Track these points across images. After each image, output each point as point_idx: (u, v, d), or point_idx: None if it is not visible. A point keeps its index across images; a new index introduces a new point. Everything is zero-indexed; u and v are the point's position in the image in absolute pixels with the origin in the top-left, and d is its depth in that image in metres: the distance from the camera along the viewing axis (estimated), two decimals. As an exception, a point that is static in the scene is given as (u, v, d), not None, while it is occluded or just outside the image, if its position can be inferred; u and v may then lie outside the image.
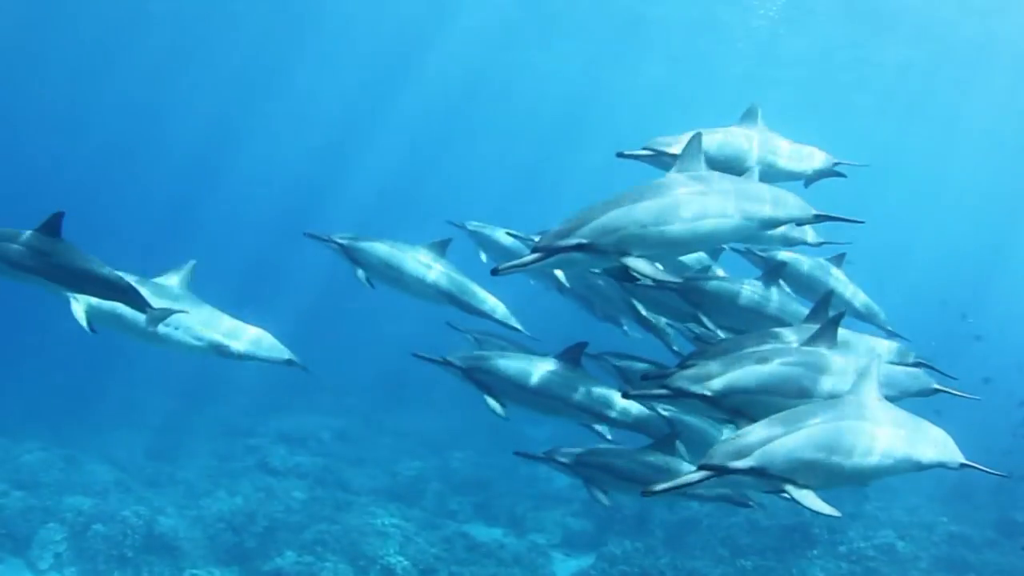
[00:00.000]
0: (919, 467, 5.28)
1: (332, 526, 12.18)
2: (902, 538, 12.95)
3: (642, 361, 6.91)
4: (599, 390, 6.66)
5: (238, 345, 6.83)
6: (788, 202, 6.10)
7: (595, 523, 13.67)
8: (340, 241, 7.68)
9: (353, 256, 7.68)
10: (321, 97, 39.13)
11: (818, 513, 4.60)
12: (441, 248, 7.82)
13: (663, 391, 5.17)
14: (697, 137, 5.64)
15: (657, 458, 6.50)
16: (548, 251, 5.08)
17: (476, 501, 14.65)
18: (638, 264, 5.18)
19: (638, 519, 13.54)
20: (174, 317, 6.44)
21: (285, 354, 7.02)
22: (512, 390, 6.61)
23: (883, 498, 14.41)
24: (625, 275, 5.37)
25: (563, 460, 6.67)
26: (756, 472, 4.53)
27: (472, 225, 9.01)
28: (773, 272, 6.72)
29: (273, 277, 26.53)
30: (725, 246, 6.84)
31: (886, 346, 6.54)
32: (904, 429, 5.12)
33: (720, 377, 5.12)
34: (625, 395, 5.75)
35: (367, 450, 16.10)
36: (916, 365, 6.46)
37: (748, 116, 6.89)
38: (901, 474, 5.23)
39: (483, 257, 8.91)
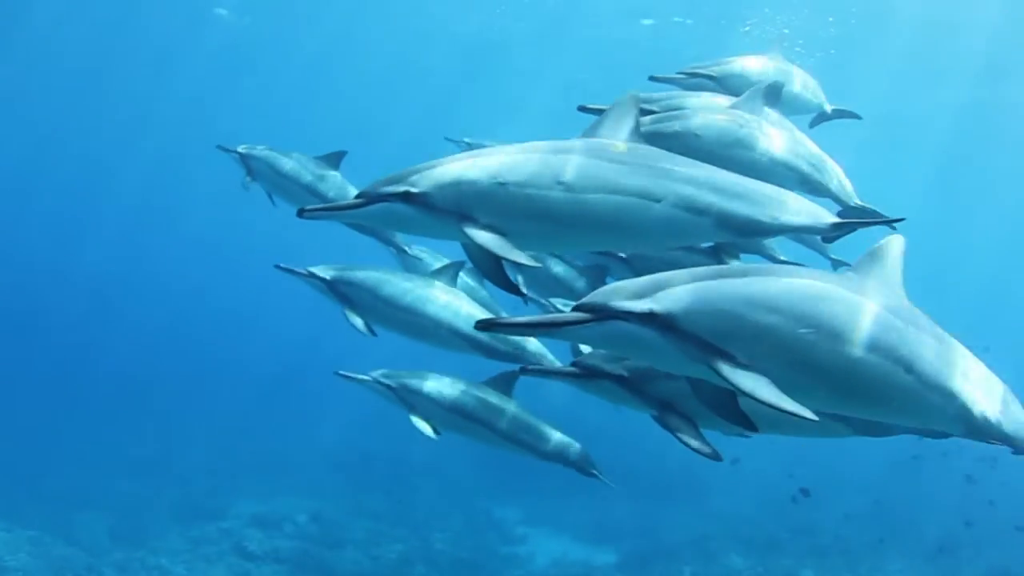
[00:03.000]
0: (955, 410, 3.35)
1: (320, 614, 11.45)
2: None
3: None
4: (472, 310, 5.99)
5: None
6: (773, 201, 4.35)
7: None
8: (239, 150, 7.41)
9: (247, 164, 7.36)
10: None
11: (774, 407, 2.88)
12: (335, 160, 7.29)
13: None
14: (632, 98, 4.21)
15: (492, 395, 5.95)
16: (370, 198, 3.91)
17: (463, 584, 14.08)
18: (484, 237, 3.76)
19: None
20: None
21: None
22: (375, 304, 6.07)
23: (871, 560, 14.58)
24: (492, 268, 4.03)
25: (388, 383, 6.10)
26: (659, 322, 2.91)
27: None
28: None
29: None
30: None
31: None
32: (936, 340, 3.38)
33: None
34: (523, 371, 4.31)
35: (345, 532, 15.24)
36: None
37: (751, 98, 5.17)
38: (914, 412, 3.38)
39: None
